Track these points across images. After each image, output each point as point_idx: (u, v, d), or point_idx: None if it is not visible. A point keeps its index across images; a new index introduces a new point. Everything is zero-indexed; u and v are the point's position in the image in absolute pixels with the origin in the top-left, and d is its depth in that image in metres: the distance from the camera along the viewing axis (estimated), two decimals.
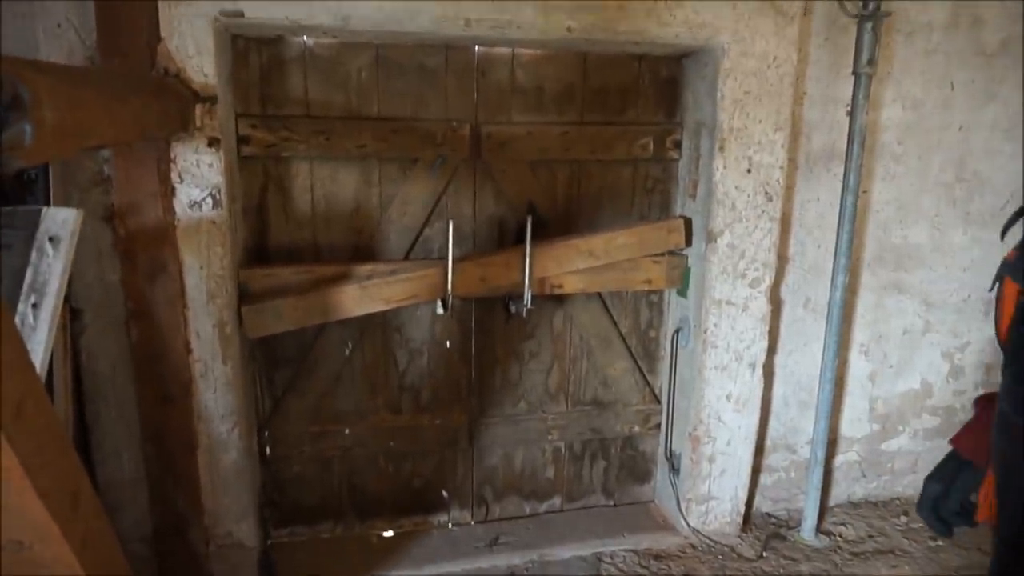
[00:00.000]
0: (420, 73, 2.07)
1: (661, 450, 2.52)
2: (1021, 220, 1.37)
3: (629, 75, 2.22)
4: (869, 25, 2.08)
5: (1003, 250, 2.37)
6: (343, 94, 2.03)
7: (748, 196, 2.15)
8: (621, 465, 2.54)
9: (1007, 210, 2.53)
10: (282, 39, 1.96)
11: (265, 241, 2.07)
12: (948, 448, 2.78)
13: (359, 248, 2.13)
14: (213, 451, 1.94)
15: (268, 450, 2.18)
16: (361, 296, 2.00)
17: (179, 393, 1.87)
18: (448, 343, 2.27)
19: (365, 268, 2.04)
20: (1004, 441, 1.13)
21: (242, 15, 1.74)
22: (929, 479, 1.88)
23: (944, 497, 1.72)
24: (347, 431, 2.23)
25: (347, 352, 2.19)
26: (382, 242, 2.14)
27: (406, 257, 2.15)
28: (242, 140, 1.96)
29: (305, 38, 1.97)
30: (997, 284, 1.20)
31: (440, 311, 2.08)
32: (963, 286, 2.59)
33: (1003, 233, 1.19)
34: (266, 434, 2.18)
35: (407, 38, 1.97)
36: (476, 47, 2.08)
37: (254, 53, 1.96)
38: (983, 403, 2.28)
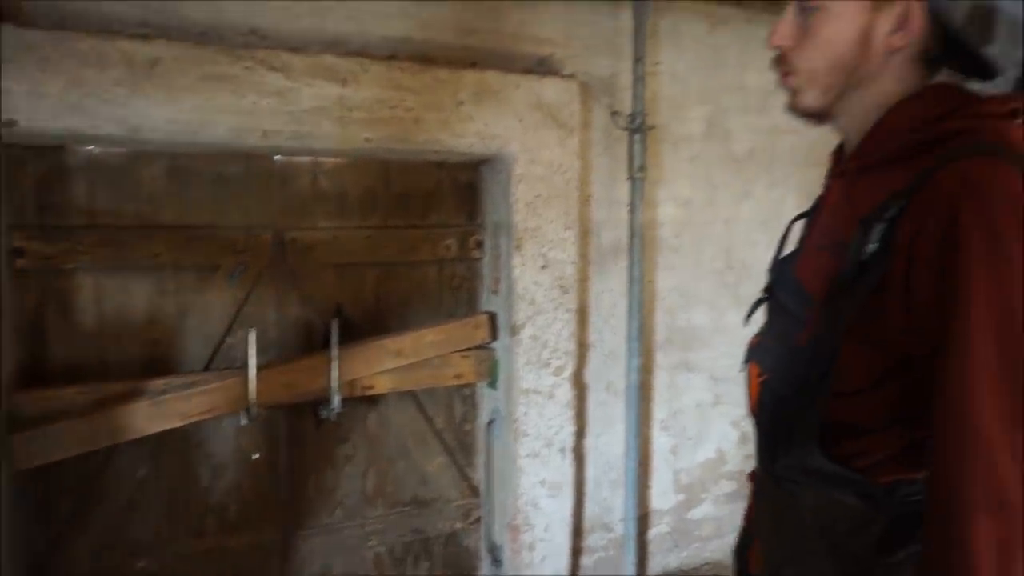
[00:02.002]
0: (218, 181, 2.05)
1: (483, 543, 2.53)
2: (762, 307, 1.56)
3: (430, 180, 2.34)
4: (637, 137, 2.36)
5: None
6: (134, 203, 1.96)
7: (546, 290, 2.31)
8: (445, 564, 2.51)
9: None
10: (64, 148, 1.87)
11: (44, 361, 1.90)
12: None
13: (154, 362, 2.01)
14: None
15: None
16: (154, 412, 1.89)
17: None
18: (256, 455, 2.17)
19: (159, 383, 1.93)
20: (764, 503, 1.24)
21: (15, 124, 1.66)
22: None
23: None
24: (142, 564, 2.04)
25: (141, 475, 2.03)
26: (179, 354, 2.04)
27: (206, 368, 2.07)
28: (16, 253, 1.82)
29: (91, 147, 1.90)
30: (745, 366, 1.36)
31: (244, 422, 2.00)
32: (741, 361, 2.90)
33: (746, 319, 1.37)
34: None
35: (203, 148, 1.96)
36: (276, 156, 2.11)
37: (32, 162, 1.85)
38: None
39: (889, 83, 1.00)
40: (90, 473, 1.97)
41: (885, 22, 0.96)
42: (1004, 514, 0.81)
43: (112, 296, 1.96)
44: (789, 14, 1.03)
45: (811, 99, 1.04)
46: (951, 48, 1.00)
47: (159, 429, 1.92)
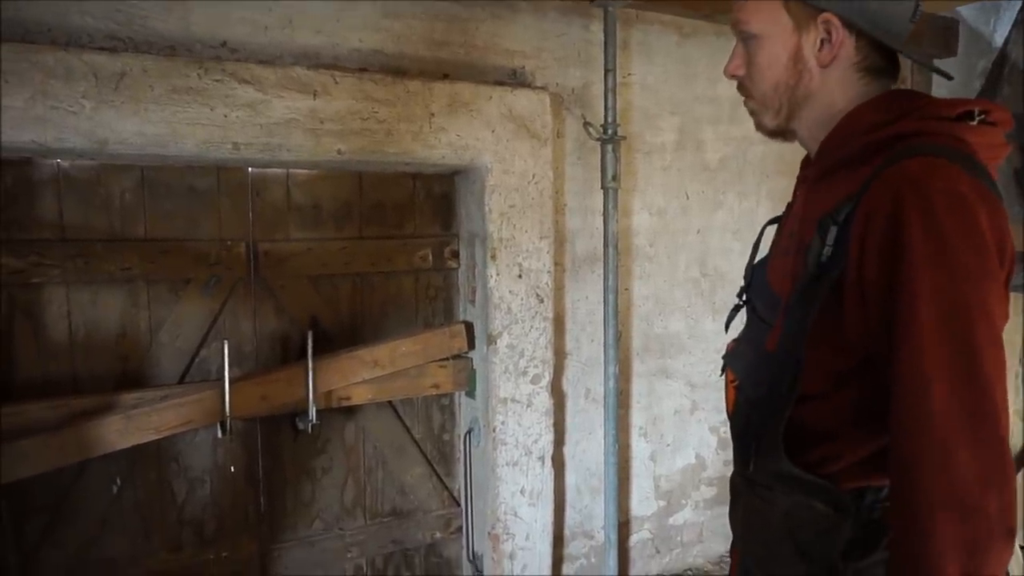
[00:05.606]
0: (190, 194, 2.05)
1: (464, 553, 2.52)
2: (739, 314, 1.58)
3: (405, 191, 2.35)
4: (610, 147, 2.38)
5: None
6: (105, 216, 1.95)
7: (522, 299, 2.32)
8: (427, 574, 2.50)
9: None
10: (31, 161, 1.87)
11: (12, 376, 1.88)
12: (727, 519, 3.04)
13: (126, 376, 2.00)
14: None
15: None
16: (127, 427, 1.87)
17: None
18: (232, 468, 2.16)
19: (131, 396, 1.91)
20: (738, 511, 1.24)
21: None
22: None
23: None
24: None
25: (115, 490, 2.01)
26: (152, 368, 2.03)
27: (181, 381, 2.05)
28: None
29: (59, 160, 1.89)
30: (723, 371, 1.38)
31: (219, 435, 1.99)
32: (718, 367, 2.88)
33: (726, 326, 1.39)
34: None
35: (173, 161, 1.95)
36: (249, 168, 2.11)
37: None
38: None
39: (836, 95, 1.04)
40: (62, 489, 1.95)
41: (811, 41, 1.02)
42: (967, 512, 0.80)
43: (83, 310, 1.95)
44: (737, 46, 1.10)
45: (767, 120, 1.11)
46: (891, 56, 1.04)
47: (132, 443, 1.90)
